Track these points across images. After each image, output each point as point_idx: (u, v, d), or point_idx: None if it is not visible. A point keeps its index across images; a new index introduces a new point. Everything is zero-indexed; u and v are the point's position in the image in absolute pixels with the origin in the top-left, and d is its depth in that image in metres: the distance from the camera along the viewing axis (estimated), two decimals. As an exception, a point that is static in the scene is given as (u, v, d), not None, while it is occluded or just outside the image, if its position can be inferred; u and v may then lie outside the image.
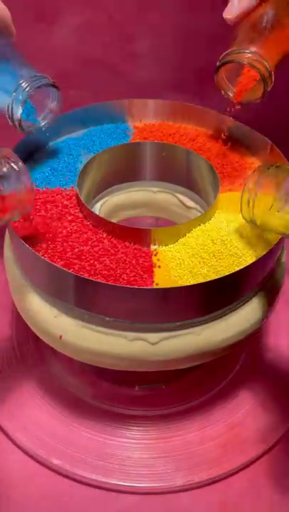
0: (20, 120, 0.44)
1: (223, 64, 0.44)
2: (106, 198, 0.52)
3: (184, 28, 0.70)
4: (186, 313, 0.40)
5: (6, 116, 0.44)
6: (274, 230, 0.39)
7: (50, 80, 0.45)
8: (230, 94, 0.47)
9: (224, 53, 0.44)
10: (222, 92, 0.47)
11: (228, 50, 0.44)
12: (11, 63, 0.44)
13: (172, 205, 0.53)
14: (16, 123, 0.44)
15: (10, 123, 0.45)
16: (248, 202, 0.39)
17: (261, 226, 0.40)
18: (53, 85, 0.45)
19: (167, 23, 0.70)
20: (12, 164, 0.36)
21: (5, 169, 0.36)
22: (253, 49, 0.43)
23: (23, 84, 0.43)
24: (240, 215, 0.41)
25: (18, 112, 0.43)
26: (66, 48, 0.69)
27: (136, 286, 0.39)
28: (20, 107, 0.43)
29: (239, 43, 0.44)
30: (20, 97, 0.43)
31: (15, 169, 0.36)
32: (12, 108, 0.43)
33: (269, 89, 0.45)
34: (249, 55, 0.43)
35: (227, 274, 0.39)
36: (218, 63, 0.45)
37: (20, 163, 0.37)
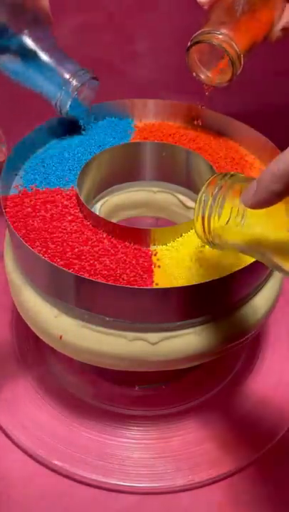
0: (67, 112, 0.48)
1: (194, 44, 0.45)
2: (106, 198, 0.52)
3: (184, 28, 0.70)
4: (186, 313, 0.40)
5: (53, 106, 0.48)
6: (234, 245, 0.35)
7: (92, 73, 0.48)
8: (202, 77, 0.47)
9: (195, 34, 0.45)
10: (193, 73, 0.47)
11: (200, 31, 0.45)
12: (54, 56, 0.47)
13: (172, 205, 0.53)
14: (64, 114, 0.48)
15: (57, 112, 0.48)
16: (203, 217, 0.35)
17: (219, 244, 0.36)
18: (95, 78, 0.48)
19: (167, 24, 0.70)
20: None
21: None
22: (224, 31, 0.44)
23: (71, 80, 0.46)
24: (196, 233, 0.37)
25: (67, 105, 0.47)
26: (66, 47, 0.69)
27: (136, 286, 0.39)
28: (69, 102, 0.47)
29: (211, 25, 0.45)
30: (70, 92, 0.46)
31: None
32: (61, 101, 0.47)
33: (238, 73, 0.45)
34: (220, 36, 0.44)
35: (227, 274, 0.39)
36: (189, 43, 0.45)
37: None
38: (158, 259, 0.41)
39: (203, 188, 0.36)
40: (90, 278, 0.38)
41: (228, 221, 0.34)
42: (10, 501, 0.45)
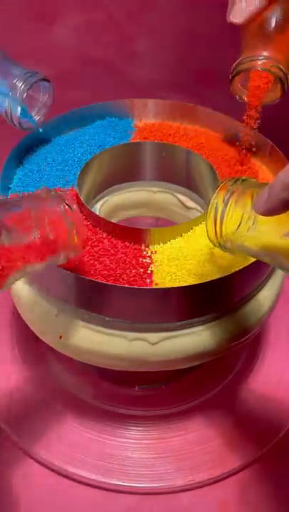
0: (19, 119, 0.44)
1: (238, 73, 0.45)
2: (106, 198, 0.52)
3: (184, 28, 0.70)
4: (186, 313, 0.40)
5: (4, 116, 0.44)
6: (245, 249, 0.36)
7: (41, 74, 0.45)
8: (245, 99, 0.47)
9: (237, 61, 0.45)
10: (237, 97, 0.48)
11: (241, 58, 0.45)
12: None
13: (172, 205, 0.53)
14: (16, 122, 0.44)
15: (9, 122, 0.45)
16: (215, 221, 0.36)
17: (231, 248, 0.37)
18: (46, 79, 0.45)
19: (167, 23, 0.70)
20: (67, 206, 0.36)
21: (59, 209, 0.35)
22: (266, 53, 0.44)
23: (18, 83, 0.43)
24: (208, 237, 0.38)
25: (18, 111, 0.43)
26: (66, 48, 0.69)
27: (136, 286, 0.39)
28: (19, 106, 0.43)
29: (249, 50, 0.45)
30: (18, 96, 0.43)
31: (69, 209, 0.36)
32: (11, 108, 0.43)
33: (286, 89, 0.45)
34: (264, 60, 0.44)
35: (227, 274, 0.39)
36: (232, 72, 0.45)
37: (75, 206, 0.36)
38: (158, 259, 0.41)
39: (215, 193, 0.36)
40: (90, 278, 0.38)
41: (239, 226, 0.35)
42: (10, 501, 0.45)
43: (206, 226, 0.37)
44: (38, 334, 0.45)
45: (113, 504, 0.45)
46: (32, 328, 0.45)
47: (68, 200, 0.36)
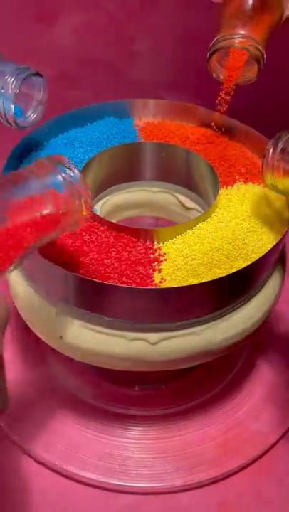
0: (14, 118, 0.42)
1: (215, 51, 0.45)
2: (106, 198, 0.52)
3: (184, 27, 0.70)
4: (186, 313, 0.40)
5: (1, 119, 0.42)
6: None
7: (33, 69, 0.42)
8: (222, 77, 0.48)
9: (215, 39, 0.45)
10: (214, 75, 0.48)
11: (218, 36, 0.45)
12: None
13: (172, 205, 0.53)
14: (11, 121, 0.42)
15: (4, 123, 0.43)
16: (270, 166, 0.40)
17: (284, 190, 0.41)
18: (38, 74, 0.42)
19: (167, 23, 0.70)
20: (68, 171, 0.34)
21: (60, 177, 0.34)
22: (243, 32, 0.44)
23: (9, 79, 0.40)
24: (263, 183, 0.42)
25: (11, 109, 0.41)
26: (66, 48, 0.69)
27: (135, 286, 0.39)
28: (12, 104, 0.41)
29: (228, 27, 0.45)
30: (10, 93, 0.40)
31: (71, 176, 0.34)
32: (4, 106, 0.41)
33: (262, 68, 0.46)
34: (240, 39, 0.44)
35: (227, 274, 0.39)
36: (210, 50, 0.46)
37: (76, 170, 0.35)
38: (158, 259, 0.41)
39: (271, 141, 0.40)
40: (90, 278, 0.38)
41: None
42: (10, 501, 0.45)
43: (262, 169, 0.41)
44: (38, 334, 0.45)
45: (113, 504, 0.45)
46: (32, 328, 0.45)
47: (67, 163, 0.35)
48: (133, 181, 0.53)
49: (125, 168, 0.52)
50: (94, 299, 0.39)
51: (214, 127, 0.52)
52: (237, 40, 0.44)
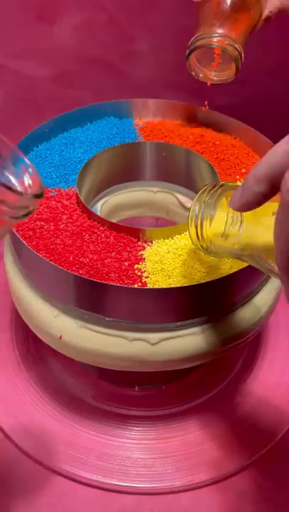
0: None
1: (194, 50, 0.46)
2: (106, 198, 0.52)
3: (184, 28, 0.70)
4: (185, 314, 0.40)
5: None
6: (228, 252, 0.36)
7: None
8: (201, 76, 0.48)
9: (193, 38, 0.45)
10: (193, 73, 0.49)
11: (197, 35, 0.45)
12: None
13: (172, 205, 0.53)
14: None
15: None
16: (196, 225, 0.37)
17: (214, 251, 0.37)
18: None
19: (167, 23, 0.70)
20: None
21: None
22: (221, 31, 0.44)
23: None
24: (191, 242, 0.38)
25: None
26: (66, 48, 0.69)
27: (136, 287, 0.39)
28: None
29: (205, 27, 0.45)
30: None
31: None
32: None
33: (240, 68, 0.46)
34: (219, 38, 0.44)
35: (227, 274, 0.39)
36: (188, 49, 0.46)
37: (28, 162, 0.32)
38: (158, 259, 0.41)
39: (196, 198, 0.37)
40: (90, 278, 0.38)
41: (224, 227, 0.35)
42: (10, 501, 0.45)
43: (189, 230, 0.38)
44: (37, 334, 0.45)
45: (113, 504, 0.45)
46: (32, 328, 0.45)
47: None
48: (133, 181, 0.53)
49: (125, 168, 0.52)
50: (94, 299, 0.39)
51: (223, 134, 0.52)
52: (215, 39, 0.45)
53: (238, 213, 0.34)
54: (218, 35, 0.44)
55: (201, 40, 0.45)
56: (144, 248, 0.42)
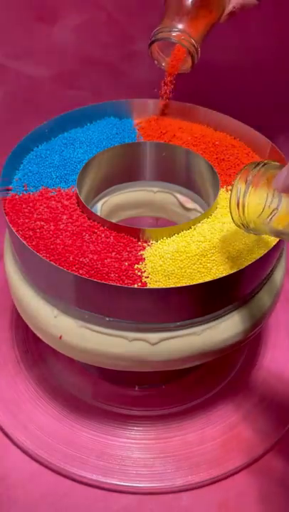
0: None
1: (154, 41, 0.48)
2: (106, 198, 0.52)
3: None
4: (186, 313, 0.40)
5: None
6: (269, 230, 0.37)
7: None
8: (164, 65, 0.50)
9: (155, 30, 0.48)
10: (156, 62, 0.51)
11: (159, 27, 0.48)
12: None
13: (172, 205, 0.53)
14: None
15: None
16: (238, 205, 0.37)
17: (255, 229, 0.38)
18: None
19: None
20: None
21: None
22: (180, 26, 0.47)
23: None
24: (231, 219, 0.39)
25: None
26: (66, 48, 0.69)
27: (136, 287, 0.39)
28: None
29: (168, 20, 0.47)
30: None
31: None
32: None
33: (197, 62, 0.48)
34: (177, 33, 0.47)
35: (226, 274, 0.39)
36: (150, 39, 0.48)
37: None
38: (158, 259, 0.41)
39: (238, 176, 0.37)
40: (90, 278, 0.38)
41: (263, 207, 0.36)
42: (10, 501, 0.45)
43: (230, 209, 0.38)
44: (38, 334, 0.45)
45: (113, 504, 0.45)
46: (32, 328, 0.45)
47: None
48: (133, 181, 0.53)
49: (125, 168, 0.52)
50: (94, 299, 0.39)
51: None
52: (173, 34, 0.47)
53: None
54: (177, 30, 0.47)
55: (161, 34, 0.47)
56: (144, 248, 0.42)
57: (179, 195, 0.52)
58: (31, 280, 0.43)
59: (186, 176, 0.51)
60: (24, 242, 0.40)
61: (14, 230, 0.41)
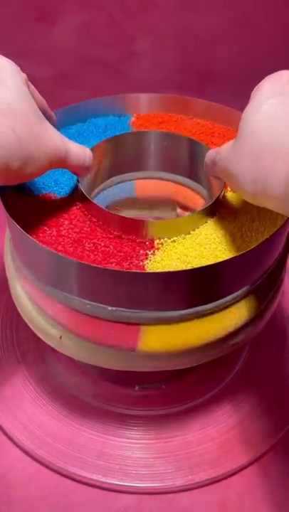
0: None
1: None
2: (107, 191, 0.51)
3: (184, 27, 0.70)
4: (185, 301, 0.39)
5: None
6: None
7: None
8: None
9: None
10: None
11: None
12: None
13: (176, 197, 0.52)
14: None
15: None
16: None
17: None
18: None
19: (167, 23, 0.70)
20: None
21: None
22: None
23: None
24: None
25: None
26: (66, 48, 0.69)
27: (136, 270, 0.38)
28: None
29: None
30: None
31: None
32: None
33: None
34: None
35: (226, 258, 0.37)
36: None
37: None
38: (159, 252, 0.40)
39: None
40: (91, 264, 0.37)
41: None
42: (10, 501, 0.45)
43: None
44: (37, 334, 0.45)
45: (113, 504, 0.45)
46: (32, 328, 0.45)
47: None
48: (135, 171, 0.52)
49: (127, 158, 0.51)
50: (96, 286, 0.38)
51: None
52: None
53: None
54: None
55: None
56: (146, 240, 0.41)
57: (182, 187, 0.51)
58: (31, 273, 0.41)
59: (189, 165, 0.50)
60: (26, 233, 0.39)
61: (13, 221, 0.40)
